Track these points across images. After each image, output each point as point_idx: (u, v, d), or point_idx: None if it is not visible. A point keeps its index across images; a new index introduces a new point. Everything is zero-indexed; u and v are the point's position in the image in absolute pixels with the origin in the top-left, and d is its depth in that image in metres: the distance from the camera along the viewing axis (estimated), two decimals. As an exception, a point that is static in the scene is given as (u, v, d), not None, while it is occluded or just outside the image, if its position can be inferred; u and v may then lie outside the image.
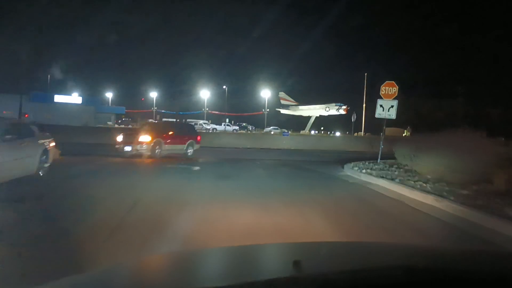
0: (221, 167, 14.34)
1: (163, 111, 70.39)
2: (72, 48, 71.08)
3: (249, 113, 71.94)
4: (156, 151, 16.31)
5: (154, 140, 16.24)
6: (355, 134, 59.83)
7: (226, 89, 64.85)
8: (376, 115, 15.92)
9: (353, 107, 57.46)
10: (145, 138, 16.12)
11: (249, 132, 60.50)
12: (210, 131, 53.26)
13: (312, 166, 15.71)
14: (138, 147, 15.91)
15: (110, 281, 1.46)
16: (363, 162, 15.80)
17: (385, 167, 13.88)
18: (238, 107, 73.56)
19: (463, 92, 58.31)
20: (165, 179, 10.18)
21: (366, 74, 54.24)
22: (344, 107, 56.49)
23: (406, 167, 13.46)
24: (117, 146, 16.39)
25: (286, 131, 40.61)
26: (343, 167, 14.52)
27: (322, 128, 69.60)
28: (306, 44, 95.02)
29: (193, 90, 70.30)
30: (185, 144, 18.11)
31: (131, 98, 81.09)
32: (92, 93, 66.74)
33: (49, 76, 55.99)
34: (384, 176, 11.00)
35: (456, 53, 72.19)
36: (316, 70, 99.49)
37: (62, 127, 31.01)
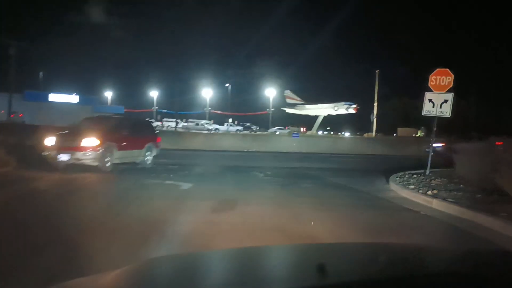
0: (222, 184, 10.35)
1: (164, 110, 66.35)
2: (70, 45, 67.23)
3: (253, 113, 67.80)
4: (106, 160, 11.33)
5: (103, 144, 11.17)
6: (365, 134, 55.77)
7: (229, 87, 60.73)
8: (424, 113, 12.06)
9: (364, 107, 53.55)
10: (91, 141, 11.06)
11: (253, 132, 56.62)
12: (212, 132, 49.50)
13: (341, 180, 11.73)
14: (81, 154, 10.93)
15: (115, 284, 1.39)
16: (408, 172, 11.92)
17: (447, 182, 9.96)
18: (241, 106, 69.46)
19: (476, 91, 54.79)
20: (131, 207, 6.29)
21: (377, 71, 50.25)
22: (354, 106, 52.33)
23: (471, 183, 9.56)
24: (46, 153, 11.29)
25: (296, 132, 36.10)
26: (387, 182, 10.60)
27: (328, 128, 65.49)
28: (314, 40, 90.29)
29: (195, 89, 66.32)
30: (142, 148, 13.04)
31: (131, 97, 77.43)
32: (90, 92, 62.98)
33: (41, 73, 52.33)
34: (473, 205, 7.01)
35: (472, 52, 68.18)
36: (324, 68, 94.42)
37: (46, 127, 27.47)
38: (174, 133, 29.59)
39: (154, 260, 1.85)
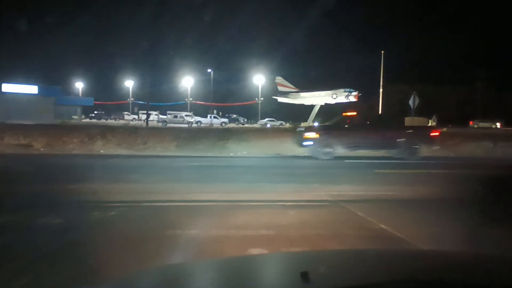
0: None
1: (140, 102, 56.35)
2: (30, 29, 56.17)
3: (240, 103, 58.26)
4: None
5: None
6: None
7: (212, 73, 50.68)
8: None
9: (366, 93, 44.79)
10: None
11: (240, 125, 47.26)
12: (193, 125, 40.06)
13: None
14: None
15: None
16: None
17: None
18: (227, 96, 59.71)
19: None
20: None
21: (383, 52, 41.52)
22: (354, 93, 43.48)
23: None
24: None
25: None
26: None
27: (320, 119, 56.39)
28: (307, 19, 79.21)
29: (175, 78, 56.40)
30: None
31: (105, 88, 66.95)
32: (57, 83, 52.37)
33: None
34: None
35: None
36: (319, 51, 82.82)
37: None
38: (129, 130, 19.89)
39: (140, 272, 1.72)
